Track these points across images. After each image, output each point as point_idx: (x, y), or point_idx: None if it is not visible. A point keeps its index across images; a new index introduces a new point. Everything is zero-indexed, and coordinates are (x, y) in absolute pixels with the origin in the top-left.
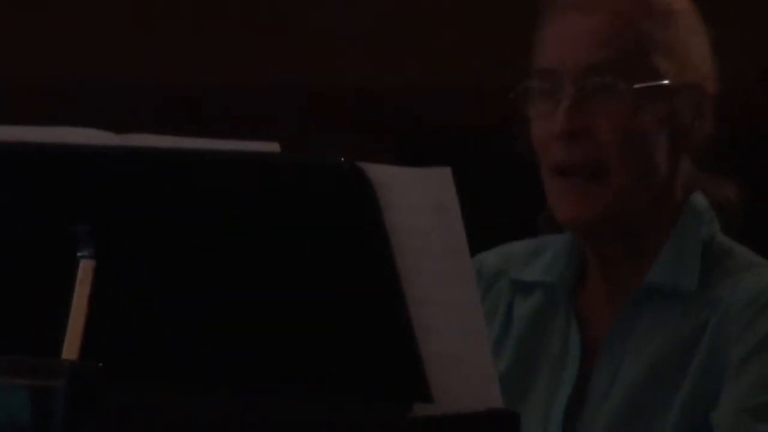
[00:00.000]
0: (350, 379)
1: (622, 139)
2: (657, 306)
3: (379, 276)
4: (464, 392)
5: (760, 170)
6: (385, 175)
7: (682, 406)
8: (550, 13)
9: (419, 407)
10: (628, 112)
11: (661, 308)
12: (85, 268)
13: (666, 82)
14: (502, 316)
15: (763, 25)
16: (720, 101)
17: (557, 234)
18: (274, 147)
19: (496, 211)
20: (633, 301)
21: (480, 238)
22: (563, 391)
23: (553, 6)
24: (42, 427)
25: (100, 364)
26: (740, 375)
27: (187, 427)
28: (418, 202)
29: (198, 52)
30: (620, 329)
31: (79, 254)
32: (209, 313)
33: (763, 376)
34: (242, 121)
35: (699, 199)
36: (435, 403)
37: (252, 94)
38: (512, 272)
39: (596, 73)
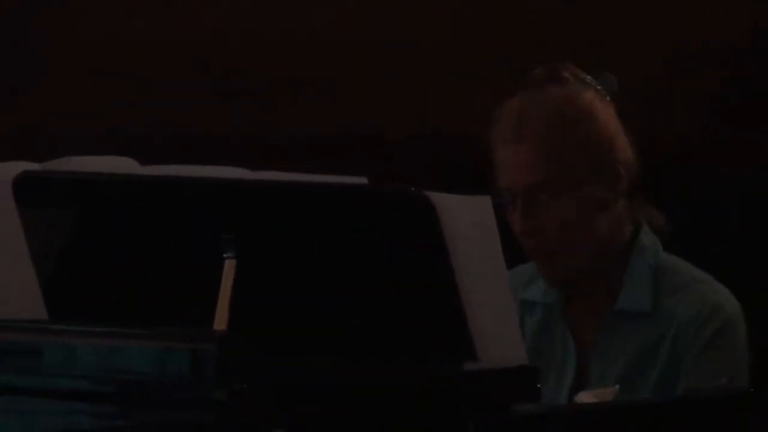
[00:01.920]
0: (420, 346)
1: (564, 232)
2: (626, 324)
3: (440, 272)
4: (499, 353)
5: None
6: (443, 200)
7: (652, 393)
8: (495, 146)
9: (469, 363)
10: (564, 212)
11: (629, 325)
12: (229, 266)
13: (587, 183)
14: None
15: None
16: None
17: None
18: (362, 180)
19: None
20: (608, 321)
21: None
22: (566, 383)
23: (496, 140)
24: (199, 378)
25: (241, 334)
26: (691, 370)
27: (298, 380)
28: (466, 220)
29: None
30: (602, 339)
31: (225, 256)
32: (314, 300)
33: (705, 372)
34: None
35: (645, 236)
36: (479, 360)
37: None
38: (519, 293)
39: (534, 192)
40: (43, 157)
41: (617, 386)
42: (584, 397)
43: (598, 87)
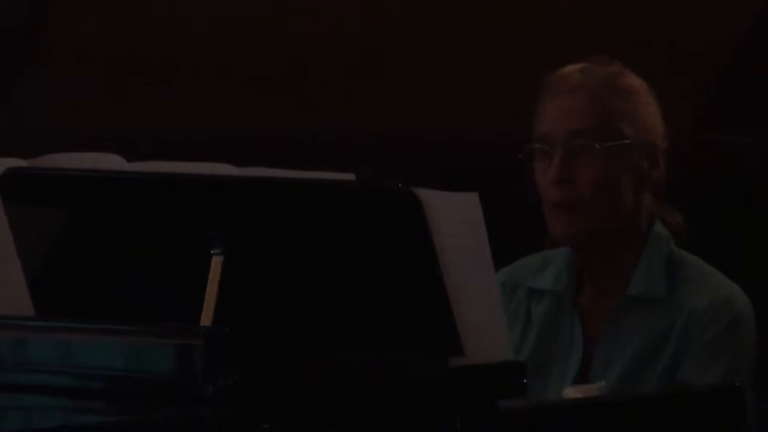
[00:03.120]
0: (407, 342)
1: (596, 185)
2: (637, 311)
3: (426, 268)
4: (486, 349)
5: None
6: (430, 196)
7: (658, 382)
8: (546, 95)
9: (455, 359)
10: (600, 165)
11: (640, 313)
12: (216, 262)
13: (628, 141)
14: (522, 319)
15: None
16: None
17: (558, 249)
18: (350, 176)
19: (517, 231)
20: (619, 308)
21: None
22: (571, 370)
23: (548, 89)
24: (187, 375)
25: (227, 329)
26: (694, 362)
27: (287, 371)
28: (453, 216)
29: None
30: (610, 329)
31: (212, 252)
32: (301, 294)
33: (708, 365)
34: None
35: (660, 227)
36: (466, 356)
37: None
38: (527, 282)
39: (577, 138)
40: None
41: (604, 382)
42: (570, 393)
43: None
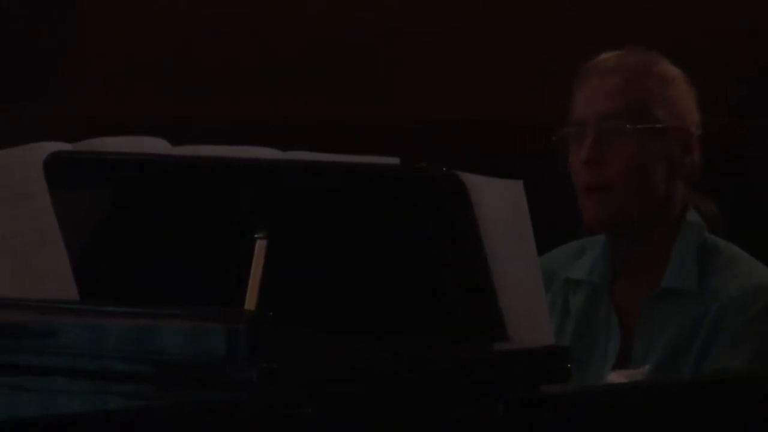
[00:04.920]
0: (450, 327)
1: (626, 167)
2: (671, 302)
3: (471, 253)
4: (530, 335)
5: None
6: (476, 181)
7: (692, 369)
8: (581, 79)
9: (499, 343)
10: (631, 147)
11: (673, 303)
12: (260, 247)
13: (660, 125)
14: (560, 306)
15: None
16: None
17: (594, 237)
18: (394, 160)
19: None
20: (653, 298)
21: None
22: (610, 360)
23: (584, 74)
24: (232, 356)
25: (270, 314)
26: (727, 349)
27: (330, 357)
28: (498, 201)
29: None
30: (646, 319)
31: (256, 236)
32: (345, 280)
33: (741, 351)
34: None
35: (693, 215)
36: (510, 341)
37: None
38: (564, 272)
39: (609, 119)
40: None
41: (647, 366)
42: (614, 378)
43: None
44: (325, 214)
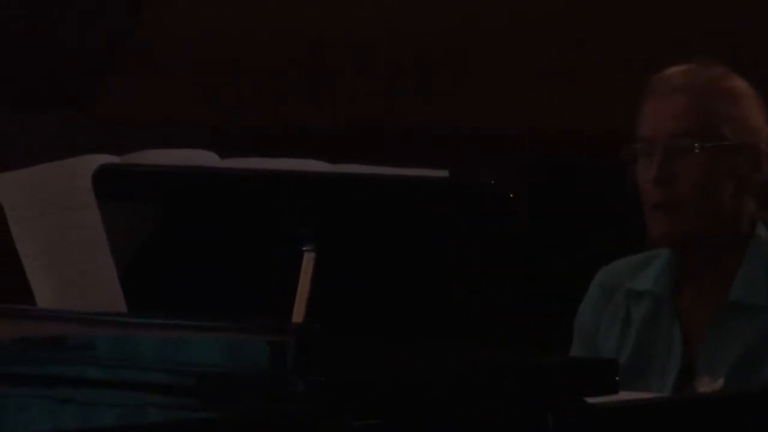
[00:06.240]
0: (496, 339)
1: (695, 185)
2: (738, 317)
3: (515, 264)
4: None
5: None
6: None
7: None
8: (648, 97)
9: (548, 355)
10: (699, 165)
11: (741, 319)
12: (308, 259)
13: (728, 143)
14: (621, 320)
15: None
16: None
17: (659, 249)
18: (443, 173)
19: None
20: (721, 314)
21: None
22: (671, 374)
23: (650, 92)
24: (279, 370)
25: (318, 326)
26: None
27: (377, 368)
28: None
29: None
30: (712, 335)
31: (304, 249)
32: (392, 291)
33: None
34: None
35: (763, 231)
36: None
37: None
38: (627, 283)
39: (677, 139)
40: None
41: (722, 380)
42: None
43: None
44: (373, 225)
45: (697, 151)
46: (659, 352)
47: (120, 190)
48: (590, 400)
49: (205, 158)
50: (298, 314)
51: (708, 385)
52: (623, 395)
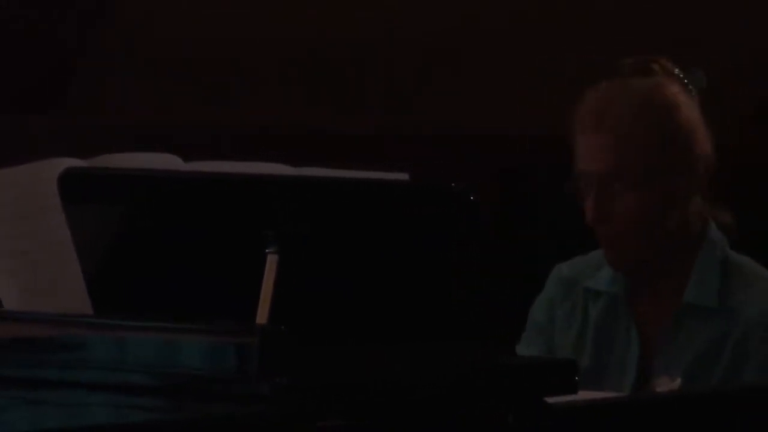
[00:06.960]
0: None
1: (631, 220)
2: (692, 319)
3: (480, 268)
4: None
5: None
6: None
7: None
8: (575, 132)
9: (508, 356)
10: (633, 200)
11: (694, 320)
12: (271, 261)
13: (661, 168)
14: (580, 316)
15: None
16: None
17: None
18: (403, 176)
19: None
20: (675, 315)
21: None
22: (629, 374)
23: (577, 126)
24: (243, 372)
25: (282, 327)
26: (758, 373)
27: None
28: None
29: None
30: (668, 336)
31: (267, 251)
32: (354, 293)
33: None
34: None
35: (714, 231)
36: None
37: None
38: (585, 281)
39: (609, 179)
40: None
41: (680, 379)
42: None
43: (685, 81)
44: (335, 228)
45: (629, 187)
46: (617, 352)
47: (85, 193)
48: (550, 399)
49: (169, 162)
50: (261, 316)
51: (666, 384)
52: (582, 395)
